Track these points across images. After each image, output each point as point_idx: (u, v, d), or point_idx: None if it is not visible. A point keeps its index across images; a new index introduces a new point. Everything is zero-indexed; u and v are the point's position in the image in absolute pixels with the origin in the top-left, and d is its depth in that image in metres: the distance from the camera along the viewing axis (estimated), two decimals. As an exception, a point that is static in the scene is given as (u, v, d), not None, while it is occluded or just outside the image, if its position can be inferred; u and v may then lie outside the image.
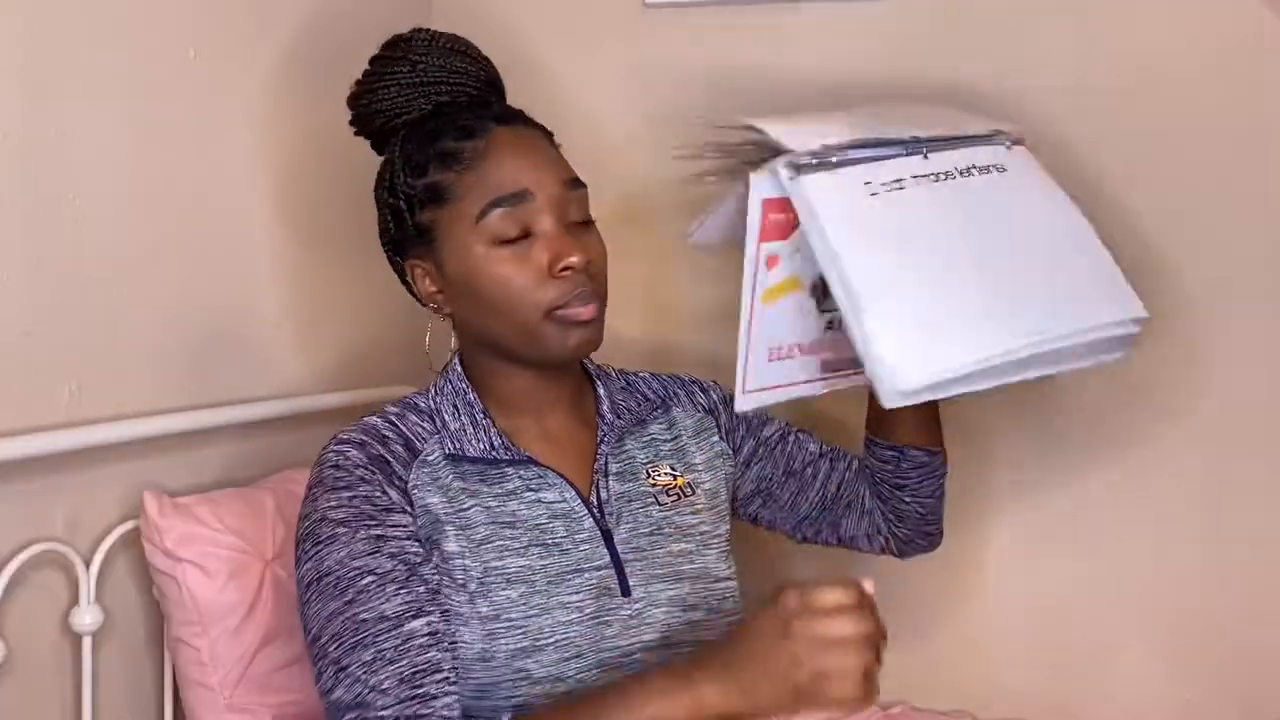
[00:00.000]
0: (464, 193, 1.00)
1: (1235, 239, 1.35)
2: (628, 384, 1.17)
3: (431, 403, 1.06)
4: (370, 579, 0.94)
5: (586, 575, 0.99)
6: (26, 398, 1.10)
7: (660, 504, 1.07)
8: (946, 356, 0.95)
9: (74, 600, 1.15)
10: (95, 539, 1.18)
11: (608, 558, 1.01)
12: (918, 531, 1.22)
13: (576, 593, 0.98)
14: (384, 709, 0.89)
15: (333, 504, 0.97)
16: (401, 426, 1.03)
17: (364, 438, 1.01)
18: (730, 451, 1.18)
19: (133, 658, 1.24)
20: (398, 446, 1.01)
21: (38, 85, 1.08)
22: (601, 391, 1.11)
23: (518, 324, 1.00)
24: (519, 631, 0.95)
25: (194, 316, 1.29)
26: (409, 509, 0.98)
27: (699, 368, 1.26)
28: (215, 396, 1.32)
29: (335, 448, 1.01)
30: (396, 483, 0.98)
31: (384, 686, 0.90)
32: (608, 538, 1.02)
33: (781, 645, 0.83)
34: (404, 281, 1.10)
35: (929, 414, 1.16)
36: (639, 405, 1.13)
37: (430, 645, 0.93)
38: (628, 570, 1.01)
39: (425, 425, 1.04)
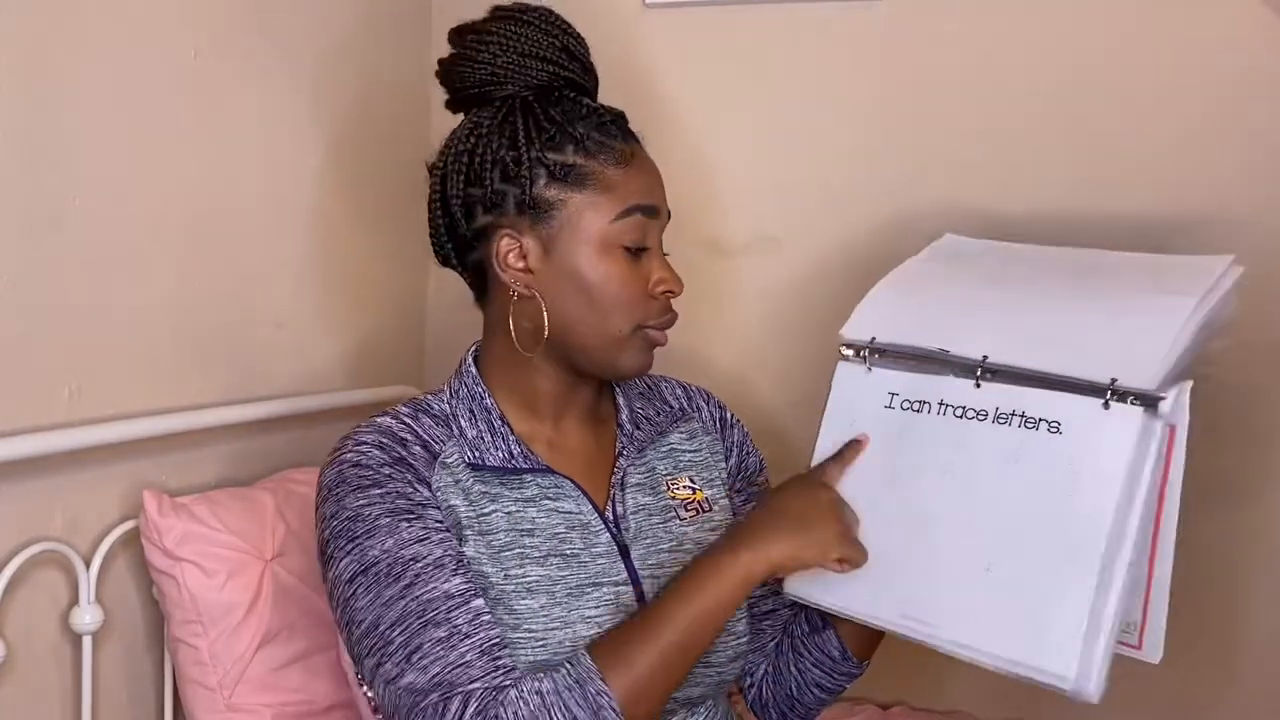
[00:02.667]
0: (610, 186, 0.99)
1: None
2: (649, 387, 1.15)
3: (446, 406, 1.03)
4: (424, 563, 0.92)
5: (605, 590, 0.98)
6: (26, 398, 1.10)
7: (681, 519, 1.06)
8: (819, 590, 1.02)
9: (74, 600, 1.15)
10: (95, 539, 1.18)
11: (625, 573, 1.00)
12: (781, 709, 1.14)
13: (596, 607, 0.97)
14: (472, 682, 0.88)
15: (363, 501, 0.94)
16: (417, 428, 1.00)
17: (382, 439, 0.98)
18: (725, 480, 1.14)
19: (133, 657, 1.25)
20: (416, 448, 0.98)
21: (38, 86, 1.08)
22: (620, 400, 1.10)
23: (608, 328, 0.99)
24: (538, 644, 0.94)
25: (194, 316, 1.29)
26: (439, 508, 0.96)
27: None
28: (215, 396, 1.32)
29: (355, 446, 0.97)
30: (421, 484, 0.96)
31: (466, 660, 0.89)
32: (624, 553, 1.01)
33: (817, 505, 0.97)
34: (446, 242, 1.04)
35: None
36: (659, 414, 1.11)
37: (494, 624, 0.92)
38: (645, 587, 1.00)
39: (440, 430, 1.00)
